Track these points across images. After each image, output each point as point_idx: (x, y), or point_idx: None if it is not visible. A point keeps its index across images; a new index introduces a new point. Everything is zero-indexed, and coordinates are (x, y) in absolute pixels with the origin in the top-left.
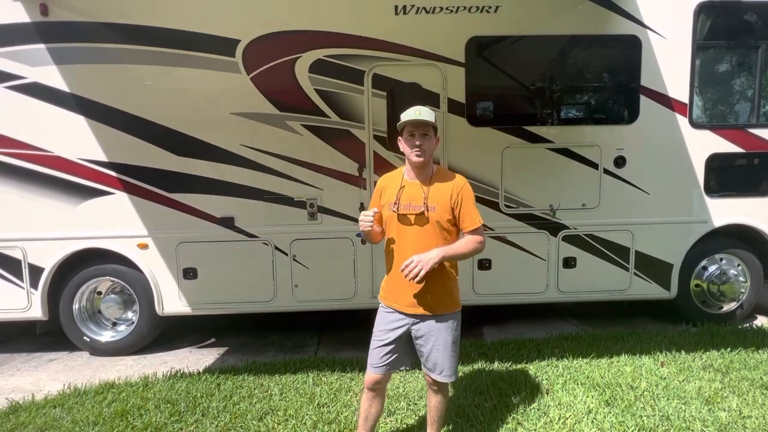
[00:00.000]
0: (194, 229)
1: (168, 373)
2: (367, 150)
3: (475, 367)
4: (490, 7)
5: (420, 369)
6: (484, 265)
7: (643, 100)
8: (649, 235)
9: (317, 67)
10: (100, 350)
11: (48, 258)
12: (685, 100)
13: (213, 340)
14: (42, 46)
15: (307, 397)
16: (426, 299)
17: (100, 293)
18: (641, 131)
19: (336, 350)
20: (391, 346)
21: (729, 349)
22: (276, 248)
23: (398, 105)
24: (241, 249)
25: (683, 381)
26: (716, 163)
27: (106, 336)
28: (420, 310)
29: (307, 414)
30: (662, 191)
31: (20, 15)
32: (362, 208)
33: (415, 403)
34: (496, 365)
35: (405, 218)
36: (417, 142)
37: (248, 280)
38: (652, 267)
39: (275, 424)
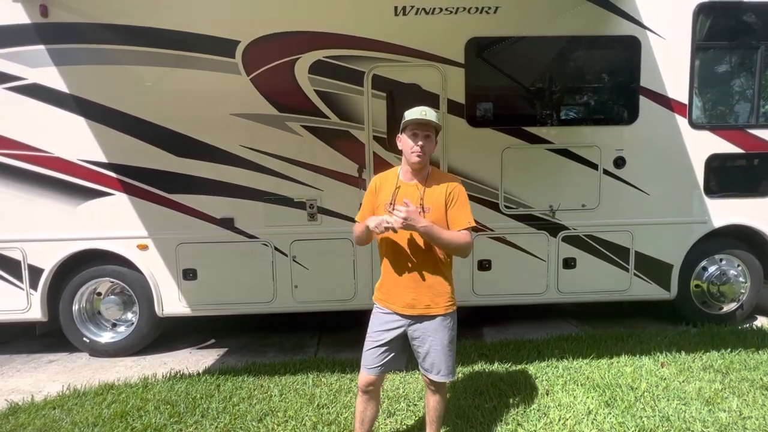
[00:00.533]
0: (194, 230)
1: (168, 374)
2: (367, 151)
3: (475, 368)
4: (489, 8)
5: (418, 370)
6: (484, 265)
7: (643, 101)
8: (648, 235)
9: (317, 68)
10: (99, 351)
11: (48, 259)
12: (685, 100)
13: (213, 341)
14: (42, 47)
15: (307, 398)
16: (424, 300)
17: (99, 294)
18: (641, 132)
19: (336, 351)
20: (386, 347)
21: (729, 349)
22: (276, 249)
23: (398, 106)
24: (240, 250)
25: (683, 382)
26: (716, 164)
27: (105, 337)
28: (417, 311)
29: (306, 415)
30: (662, 192)
31: (20, 16)
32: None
33: (415, 404)
34: (496, 366)
35: None
36: (420, 143)
37: (248, 281)
38: (651, 267)
39: (275, 426)
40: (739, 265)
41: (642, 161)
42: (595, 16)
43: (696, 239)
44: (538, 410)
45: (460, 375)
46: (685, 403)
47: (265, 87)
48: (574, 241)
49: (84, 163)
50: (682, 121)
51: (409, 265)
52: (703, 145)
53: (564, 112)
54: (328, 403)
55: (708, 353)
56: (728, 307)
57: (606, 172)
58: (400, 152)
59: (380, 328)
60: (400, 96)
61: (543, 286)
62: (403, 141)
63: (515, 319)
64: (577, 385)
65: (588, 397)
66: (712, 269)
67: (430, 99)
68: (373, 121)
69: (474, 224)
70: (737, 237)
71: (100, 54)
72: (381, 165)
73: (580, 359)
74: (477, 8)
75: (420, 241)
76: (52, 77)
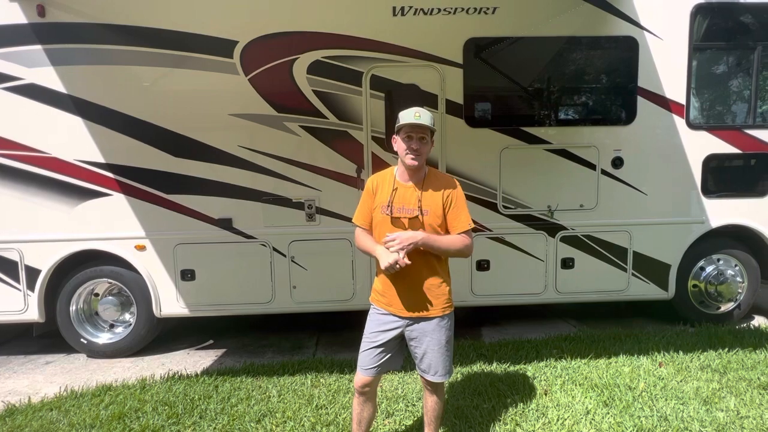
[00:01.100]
0: (192, 230)
1: (166, 375)
2: (365, 151)
3: (474, 368)
4: (487, 9)
5: (416, 370)
6: (483, 266)
7: (641, 101)
8: (646, 235)
9: (315, 69)
10: (97, 352)
11: (45, 260)
12: (682, 101)
13: (211, 341)
14: (39, 47)
15: (306, 398)
16: (420, 301)
17: (97, 295)
18: (639, 132)
19: (334, 351)
20: (383, 348)
21: (726, 349)
22: (274, 249)
23: (396, 106)
24: (239, 250)
25: (681, 381)
26: (713, 164)
27: (103, 338)
28: (414, 313)
29: (305, 416)
30: (660, 192)
31: (17, 16)
32: None
33: (414, 405)
34: (494, 366)
35: (398, 221)
36: (414, 146)
37: (246, 281)
38: (649, 267)
39: (273, 426)
40: (736, 265)
41: (640, 161)
42: (593, 16)
43: (694, 239)
44: (536, 410)
45: (458, 375)
46: (682, 402)
47: (263, 87)
48: (572, 241)
49: (81, 163)
50: (679, 122)
51: (407, 266)
52: (701, 146)
53: (562, 112)
54: (326, 403)
55: (706, 353)
56: (726, 307)
57: (604, 172)
58: (397, 152)
59: (377, 329)
60: (398, 96)
61: (541, 286)
62: (398, 143)
63: (514, 319)
64: (576, 385)
65: (586, 397)
66: (709, 269)
67: (429, 99)
68: (371, 122)
69: (473, 226)
70: (734, 237)
71: (98, 54)
72: (379, 165)
73: (579, 359)
74: (475, 9)
75: None
76: (49, 77)
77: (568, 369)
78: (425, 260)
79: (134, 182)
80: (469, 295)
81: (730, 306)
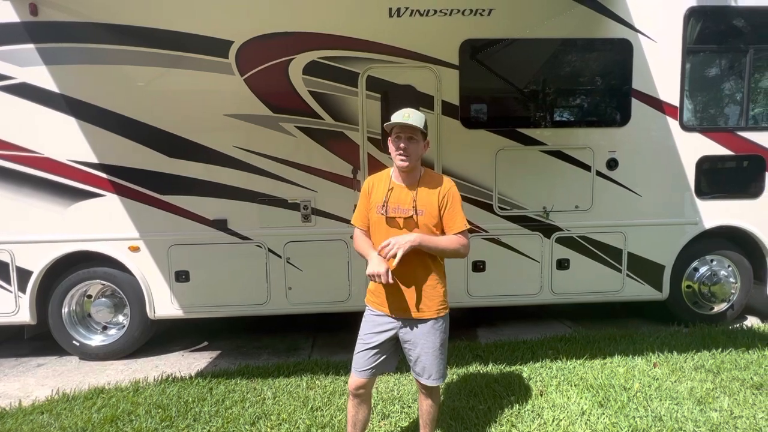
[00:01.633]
0: (186, 231)
1: (159, 378)
2: (362, 152)
3: (470, 369)
4: (483, 11)
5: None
6: (478, 266)
7: (635, 103)
8: (641, 236)
9: (311, 69)
10: (89, 355)
11: (37, 261)
12: (676, 103)
13: (206, 343)
14: (31, 46)
15: (301, 400)
16: (415, 303)
17: (90, 297)
18: (633, 134)
19: (330, 353)
20: (378, 350)
21: (720, 349)
22: (269, 250)
23: (392, 107)
24: (234, 251)
25: (675, 382)
26: (706, 166)
27: (96, 340)
28: (408, 314)
29: (300, 418)
30: (654, 193)
31: (9, 14)
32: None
33: (409, 406)
34: (490, 367)
35: (393, 221)
36: (402, 145)
37: (241, 282)
38: (644, 268)
39: (268, 429)
40: (729, 266)
41: (634, 163)
42: (588, 19)
43: (687, 240)
44: (532, 411)
45: (454, 376)
46: (677, 402)
47: (258, 87)
48: (567, 242)
49: (74, 163)
50: (673, 123)
51: (402, 267)
52: (694, 147)
53: (557, 113)
54: (322, 405)
55: (699, 353)
56: (719, 308)
57: (599, 173)
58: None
59: (371, 331)
60: (394, 97)
61: (537, 287)
62: (390, 143)
63: (510, 320)
64: (571, 385)
65: (582, 398)
66: (703, 270)
67: (425, 100)
68: (367, 123)
69: (468, 226)
70: (728, 238)
71: (91, 53)
72: (375, 166)
73: (574, 360)
74: (471, 10)
75: None
76: (41, 77)
77: (563, 370)
78: (420, 260)
79: (128, 183)
80: (465, 296)
81: (723, 306)
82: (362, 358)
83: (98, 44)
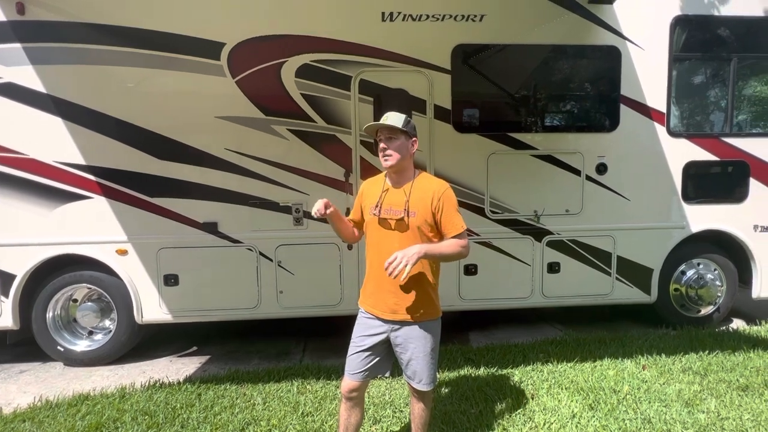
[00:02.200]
0: (176, 234)
1: (146, 384)
2: (354, 155)
3: (461, 373)
4: (475, 16)
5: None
6: (470, 270)
7: (623, 109)
8: (630, 240)
9: (304, 72)
10: (74, 360)
11: (20, 265)
12: (663, 109)
13: (195, 348)
14: (18, 45)
15: (291, 406)
16: (407, 305)
17: (75, 301)
18: (622, 139)
19: (322, 357)
20: (370, 353)
21: (707, 351)
22: (261, 254)
23: (385, 110)
24: (224, 255)
25: (664, 384)
26: (693, 171)
27: (81, 345)
28: (401, 317)
29: (290, 423)
30: (642, 197)
31: None
32: (348, 213)
33: (401, 411)
34: (482, 371)
35: (385, 222)
36: (382, 146)
37: (232, 286)
38: (633, 272)
39: None
40: (715, 269)
41: (623, 168)
42: (578, 26)
43: (675, 244)
44: (523, 415)
45: (446, 380)
46: (665, 405)
47: (250, 90)
48: (558, 245)
49: (61, 165)
50: (660, 129)
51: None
52: (681, 153)
53: (548, 119)
54: (312, 410)
55: (687, 355)
56: (706, 310)
57: (588, 178)
58: None
59: (363, 333)
60: (387, 101)
61: (528, 290)
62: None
63: (501, 323)
64: (562, 388)
65: (572, 401)
66: (690, 273)
67: (417, 104)
68: (360, 126)
69: (465, 228)
70: (713, 242)
71: (80, 53)
72: (368, 169)
73: (565, 363)
74: (463, 16)
75: (406, 246)
76: (28, 76)
77: (554, 373)
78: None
79: (116, 185)
80: (457, 300)
81: (710, 309)
82: (355, 360)
83: (87, 44)
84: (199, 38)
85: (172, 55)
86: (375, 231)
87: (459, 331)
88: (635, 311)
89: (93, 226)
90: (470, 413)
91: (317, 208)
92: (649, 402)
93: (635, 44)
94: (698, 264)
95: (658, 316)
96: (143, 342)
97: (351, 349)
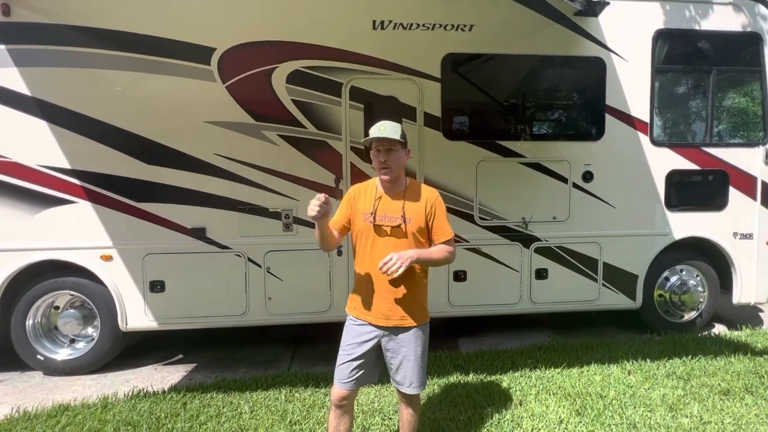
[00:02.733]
0: (163, 240)
1: (130, 393)
2: (344, 161)
3: (450, 379)
4: (464, 26)
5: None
6: (460, 276)
7: (609, 119)
8: (615, 247)
9: (294, 78)
10: (55, 370)
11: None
12: (646, 119)
13: (181, 356)
14: (2, 47)
15: (279, 414)
16: (401, 310)
17: (57, 308)
18: (607, 148)
19: (310, 364)
20: (361, 360)
21: (690, 356)
22: (249, 260)
23: (376, 117)
24: (212, 261)
25: (649, 389)
26: (675, 179)
27: (62, 354)
28: (392, 322)
29: None
30: (627, 205)
31: None
32: None
33: (390, 418)
34: (471, 377)
35: (381, 229)
36: (382, 159)
37: (219, 293)
38: (618, 278)
39: None
40: (697, 275)
41: (608, 176)
42: (564, 37)
43: (658, 251)
44: (511, 421)
45: (435, 387)
46: (650, 409)
47: (241, 95)
48: (546, 252)
49: (44, 169)
50: (644, 139)
51: (388, 276)
52: (664, 162)
53: (536, 127)
54: (300, 419)
55: (671, 360)
56: (689, 316)
57: (575, 185)
58: None
59: (354, 341)
60: (377, 108)
61: (516, 296)
62: (372, 157)
63: (490, 329)
64: (550, 394)
65: (560, 407)
66: (673, 279)
67: (407, 111)
68: (350, 132)
69: (453, 234)
70: (696, 248)
71: (67, 56)
72: (358, 175)
73: (553, 368)
74: (453, 25)
75: (398, 250)
76: (12, 78)
77: (542, 379)
78: (406, 270)
79: (102, 189)
80: (447, 306)
81: (692, 315)
82: (346, 369)
83: (74, 47)
84: (189, 43)
85: (161, 59)
86: (369, 238)
87: (448, 337)
88: (620, 316)
89: (77, 232)
90: (459, 420)
91: (315, 204)
92: (635, 407)
93: (619, 56)
94: (681, 270)
95: (642, 321)
96: (127, 350)
97: (341, 358)
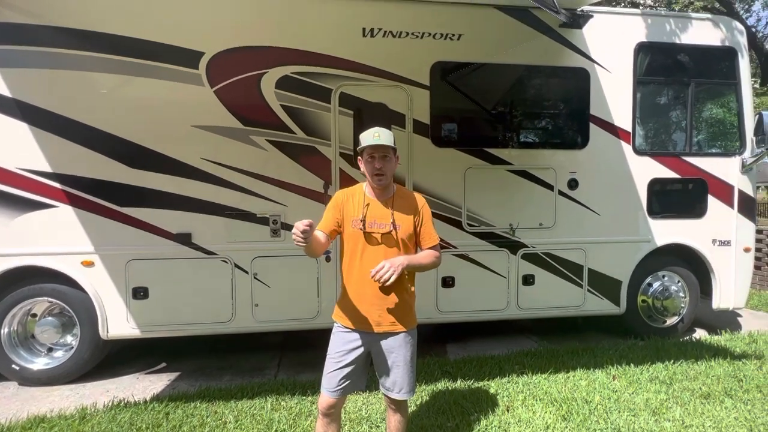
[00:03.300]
0: (147, 245)
1: (110, 404)
2: (333, 167)
3: (438, 386)
4: (453, 35)
5: (379, 390)
6: (448, 282)
7: (593, 128)
8: (600, 253)
9: (284, 83)
10: (31, 380)
11: None
12: (629, 128)
13: (164, 364)
14: None
15: (265, 423)
16: (391, 316)
17: (34, 316)
18: (591, 156)
19: (297, 372)
20: (350, 368)
21: (672, 361)
22: (236, 266)
23: (365, 123)
24: (198, 267)
25: (633, 393)
26: (657, 187)
27: (39, 363)
28: (382, 328)
29: None
30: (611, 212)
31: None
32: None
33: (377, 426)
34: (458, 384)
35: (371, 237)
36: (377, 166)
37: (205, 299)
38: (603, 284)
39: None
40: (679, 281)
41: (593, 183)
42: (550, 48)
43: (641, 257)
44: (498, 427)
45: (423, 394)
46: (634, 414)
47: (229, 100)
48: (532, 258)
49: (24, 172)
50: (627, 148)
51: (378, 282)
52: (646, 170)
53: (522, 135)
54: (287, 428)
55: (654, 365)
56: (671, 321)
57: (561, 192)
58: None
59: (343, 348)
60: (367, 114)
61: (504, 302)
62: (363, 164)
63: (478, 335)
64: (536, 400)
65: (546, 412)
66: (656, 285)
67: (396, 118)
68: (339, 138)
69: (439, 239)
70: (677, 255)
71: (49, 57)
72: (347, 181)
73: (539, 374)
74: (441, 34)
75: (389, 257)
76: None
77: (529, 384)
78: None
79: (84, 193)
80: (435, 312)
81: (674, 320)
82: (334, 377)
83: (57, 48)
84: (177, 46)
85: (147, 62)
86: (358, 244)
87: (437, 343)
88: (605, 322)
89: (57, 237)
90: (446, 427)
91: (299, 235)
92: (619, 411)
93: (603, 67)
94: (663, 276)
95: (626, 327)
96: (107, 359)
97: (329, 366)
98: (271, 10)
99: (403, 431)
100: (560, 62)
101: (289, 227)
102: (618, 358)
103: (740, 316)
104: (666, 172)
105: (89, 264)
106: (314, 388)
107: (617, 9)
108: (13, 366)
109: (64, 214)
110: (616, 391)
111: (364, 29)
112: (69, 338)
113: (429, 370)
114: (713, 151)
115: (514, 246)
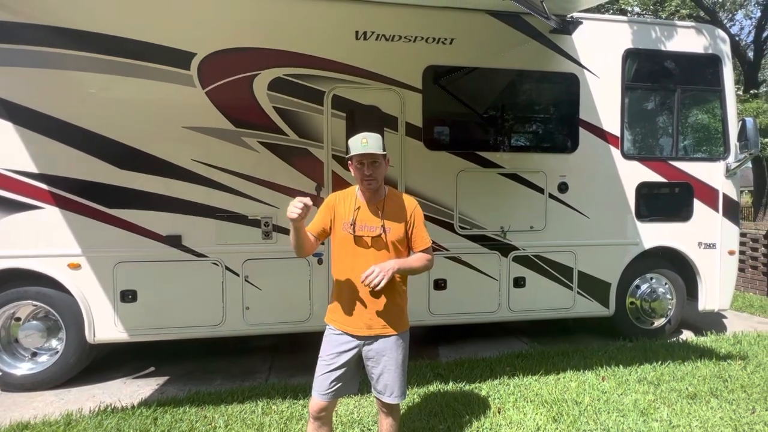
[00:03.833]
0: (136, 247)
1: (96, 409)
2: (326, 169)
3: (430, 388)
4: (445, 39)
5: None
6: (440, 285)
7: (582, 132)
8: (589, 256)
9: (276, 85)
10: (14, 385)
11: None
12: (617, 133)
13: (152, 369)
14: None
15: (255, 428)
16: (382, 319)
17: (18, 319)
18: (581, 160)
19: (289, 375)
20: (341, 371)
21: (660, 362)
22: (227, 268)
23: (358, 126)
24: (188, 269)
25: (621, 394)
26: (644, 191)
27: (23, 368)
28: (374, 331)
29: None
30: (600, 215)
31: None
32: None
33: (369, 429)
34: (450, 386)
35: (361, 240)
36: (367, 172)
37: (195, 302)
38: (592, 286)
39: None
40: (666, 283)
41: (582, 187)
42: (540, 53)
43: (630, 259)
44: (490, 429)
45: (415, 396)
46: (623, 414)
47: (221, 101)
48: (523, 261)
49: (9, 172)
50: (615, 152)
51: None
52: (634, 174)
53: (514, 139)
54: None
55: (642, 366)
56: (658, 323)
57: (551, 196)
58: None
59: (334, 351)
60: (360, 117)
61: (495, 304)
62: (353, 169)
63: (470, 337)
64: (527, 401)
65: (537, 414)
66: (644, 287)
67: (389, 121)
68: (332, 140)
69: (431, 242)
70: (664, 258)
71: (36, 56)
72: (340, 183)
73: (530, 376)
74: (434, 38)
75: (382, 262)
76: None
77: (520, 386)
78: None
79: (72, 195)
80: (427, 315)
81: (662, 321)
82: (325, 380)
83: (44, 47)
84: (168, 47)
85: (138, 63)
86: (348, 248)
87: (429, 346)
88: (595, 323)
89: (43, 239)
90: (438, 429)
91: (297, 206)
92: (608, 412)
93: (592, 72)
94: (651, 278)
95: (615, 328)
96: (94, 363)
97: (320, 368)
98: (264, 12)
99: None
100: (550, 67)
101: (280, 230)
102: (607, 360)
103: (725, 317)
104: (653, 176)
105: (76, 266)
106: (306, 391)
107: (606, 16)
108: None
109: (50, 215)
110: (606, 392)
111: (357, 32)
112: (54, 342)
113: (421, 372)
114: (699, 155)
115: (505, 249)
